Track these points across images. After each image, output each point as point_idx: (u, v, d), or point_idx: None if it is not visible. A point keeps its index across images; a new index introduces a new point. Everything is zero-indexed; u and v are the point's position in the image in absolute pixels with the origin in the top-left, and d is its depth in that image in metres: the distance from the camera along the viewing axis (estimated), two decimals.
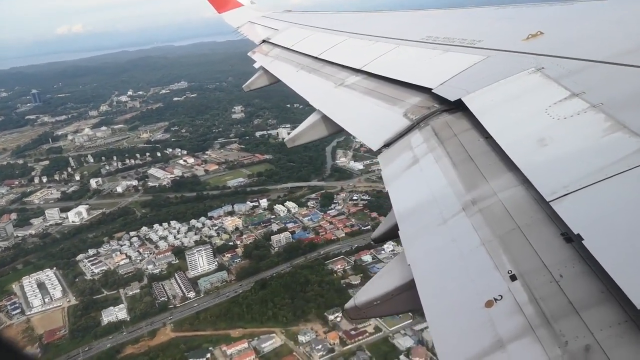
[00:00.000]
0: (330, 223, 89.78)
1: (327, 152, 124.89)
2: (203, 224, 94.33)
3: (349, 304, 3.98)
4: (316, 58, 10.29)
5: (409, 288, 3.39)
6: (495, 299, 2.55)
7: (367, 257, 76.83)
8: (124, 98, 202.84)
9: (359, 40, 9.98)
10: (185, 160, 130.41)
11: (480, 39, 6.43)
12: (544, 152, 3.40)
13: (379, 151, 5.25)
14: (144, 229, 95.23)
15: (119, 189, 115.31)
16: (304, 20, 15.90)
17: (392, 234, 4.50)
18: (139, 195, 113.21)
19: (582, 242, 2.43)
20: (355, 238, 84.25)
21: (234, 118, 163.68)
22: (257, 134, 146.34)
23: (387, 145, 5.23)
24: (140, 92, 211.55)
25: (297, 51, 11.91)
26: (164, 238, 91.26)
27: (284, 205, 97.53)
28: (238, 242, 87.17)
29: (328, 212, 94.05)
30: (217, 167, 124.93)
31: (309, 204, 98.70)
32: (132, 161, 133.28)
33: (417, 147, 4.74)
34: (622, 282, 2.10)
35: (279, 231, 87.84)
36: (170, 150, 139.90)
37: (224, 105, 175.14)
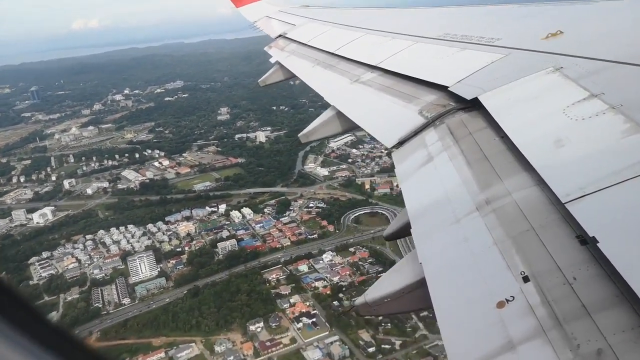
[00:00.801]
0: (280, 231, 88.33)
1: (300, 157, 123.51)
2: (158, 229, 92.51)
3: (359, 300, 3.99)
4: (332, 54, 10.27)
5: (420, 286, 3.38)
6: (507, 300, 2.54)
7: (303, 267, 75.98)
8: (118, 97, 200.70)
9: (376, 36, 9.94)
10: (160, 163, 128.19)
11: (499, 37, 6.36)
12: (560, 153, 3.36)
13: (393, 148, 5.23)
14: (101, 232, 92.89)
15: (89, 191, 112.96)
16: (321, 16, 15.87)
17: (405, 232, 4.49)
18: (106, 197, 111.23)
19: (597, 244, 2.40)
20: (300, 247, 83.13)
21: (219, 120, 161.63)
22: (237, 136, 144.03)
23: (402, 142, 5.21)
24: (137, 91, 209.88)
25: (313, 47, 11.90)
26: (117, 242, 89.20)
27: (240, 212, 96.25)
28: (186, 248, 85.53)
29: (281, 219, 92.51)
30: (189, 170, 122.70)
31: (265, 210, 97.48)
32: (110, 162, 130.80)
33: (431, 145, 4.71)
34: (636, 287, 2.07)
35: (228, 238, 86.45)
36: (149, 151, 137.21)
37: (212, 106, 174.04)
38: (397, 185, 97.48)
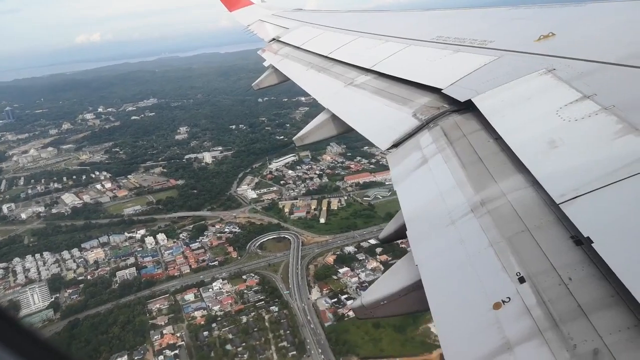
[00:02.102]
0: (185, 257, 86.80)
1: (239, 178, 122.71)
2: (72, 256, 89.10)
3: (356, 303, 3.98)
4: (326, 57, 10.29)
5: (416, 289, 3.38)
6: (503, 301, 2.54)
7: (190, 296, 74.74)
8: (89, 116, 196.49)
9: (369, 39, 9.97)
10: (102, 185, 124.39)
11: (492, 40, 6.40)
12: (554, 154, 3.38)
13: (388, 151, 5.24)
14: (16, 259, 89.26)
15: (24, 216, 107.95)
16: (314, 19, 15.90)
17: (400, 235, 4.50)
18: (38, 222, 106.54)
19: (592, 245, 2.41)
20: (198, 274, 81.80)
21: (177, 139, 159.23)
22: (187, 157, 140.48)
23: (396, 145, 5.22)
24: (110, 109, 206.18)
25: (307, 50, 11.92)
26: (27, 270, 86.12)
27: (154, 238, 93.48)
28: (89, 277, 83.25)
29: (191, 245, 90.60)
30: (126, 193, 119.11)
31: (181, 235, 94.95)
32: (55, 185, 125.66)
33: (426, 148, 4.73)
34: (631, 286, 2.09)
35: (132, 265, 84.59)
36: (97, 173, 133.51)
37: (174, 125, 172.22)
38: (314, 209, 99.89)
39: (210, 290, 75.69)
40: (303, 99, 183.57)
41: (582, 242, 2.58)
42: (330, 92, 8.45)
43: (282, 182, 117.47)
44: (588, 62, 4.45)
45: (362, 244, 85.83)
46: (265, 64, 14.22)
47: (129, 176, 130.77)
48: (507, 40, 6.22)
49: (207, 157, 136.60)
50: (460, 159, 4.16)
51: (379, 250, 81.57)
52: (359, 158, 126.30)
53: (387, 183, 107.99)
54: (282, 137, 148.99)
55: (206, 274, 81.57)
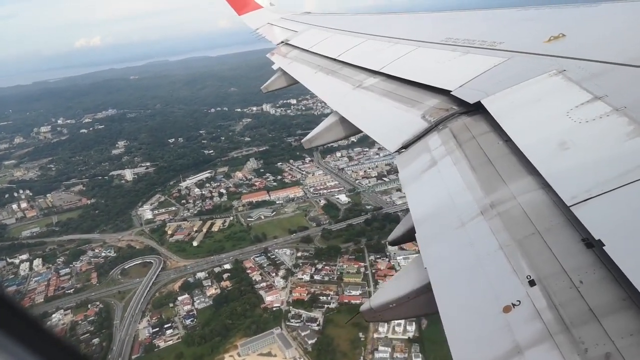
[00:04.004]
0: (48, 284, 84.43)
1: (148, 197, 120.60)
2: None
3: (364, 307, 3.97)
4: (335, 60, 10.30)
5: (425, 292, 3.37)
6: (514, 304, 2.52)
7: None
8: (44, 129, 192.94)
9: (378, 42, 9.96)
10: (19, 205, 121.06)
11: (501, 41, 6.36)
12: (565, 156, 3.35)
13: (397, 153, 5.23)
14: None
15: None
16: (323, 22, 15.93)
17: (409, 237, 4.48)
18: None
19: (603, 247, 2.38)
20: (50, 303, 79.65)
21: (113, 154, 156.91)
22: (111, 173, 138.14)
23: (405, 147, 5.21)
24: (69, 121, 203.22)
25: (315, 53, 11.94)
26: None
27: (31, 264, 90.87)
28: None
29: (62, 271, 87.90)
30: (35, 213, 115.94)
31: (58, 260, 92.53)
32: None
33: (435, 150, 4.71)
34: None
35: None
36: (22, 191, 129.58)
37: (114, 139, 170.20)
38: (196, 231, 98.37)
39: (49, 321, 73.33)
40: (255, 108, 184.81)
41: (593, 244, 2.55)
42: (339, 95, 8.45)
43: (183, 201, 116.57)
44: (599, 63, 4.41)
45: (215, 269, 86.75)
46: (274, 67, 14.28)
47: (47, 195, 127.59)
48: (517, 41, 6.18)
49: (128, 174, 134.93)
50: (470, 161, 4.14)
51: (225, 275, 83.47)
52: (267, 175, 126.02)
53: (277, 202, 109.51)
54: (211, 151, 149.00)
55: (57, 302, 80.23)
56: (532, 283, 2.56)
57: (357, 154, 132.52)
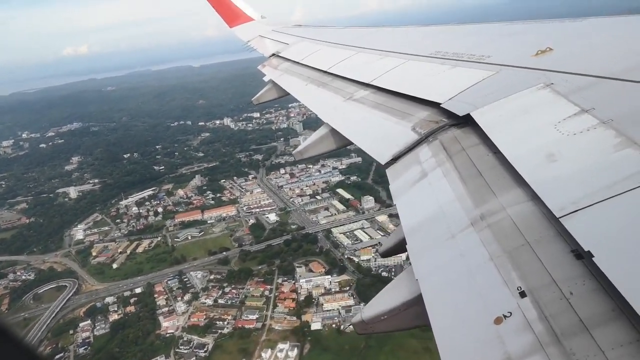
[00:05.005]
0: None
1: (85, 216, 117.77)
2: None
3: (356, 319, 3.95)
4: (325, 72, 10.35)
5: (417, 303, 3.36)
6: (505, 316, 2.52)
7: None
8: (5, 143, 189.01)
9: (368, 54, 10.04)
10: None
11: (489, 55, 6.44)
12: (553, 168, 3.38)
13: (388, 165, 5.25)
14: None
15: None
16: (313, 35, 16.04)
17: (399, 248, 4.48)
18: None
19: (593, 259, 2.40)
20: None
21: (66, 170, 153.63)
22: (58, 190, 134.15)
23: (396, 159, 5.23)
24: (33, 135, 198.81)
25: (306, 65, 12.00)
26: None
27: None
28: None
29: None
30: None
31: None
32: None
33: (425, 162, 4.73)
34: (633, 300, 2.07)
35: None
36: None
37: (70, 155, 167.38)
38: (120, 252, 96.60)
39: None
40: (218, 122, 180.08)
41: (582, 256, 2.57)
42: (330, 107, 8.48)
43: (118, 220, 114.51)
44: (586, 76, 4.48)
45: (125, 293, 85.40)
46: (265, 78, 14.32)
47: None
48: (505, 55, 6.27)
49: (72, 191, 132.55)
50: (460, 172, 4.17)
51: (133, 300, 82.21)
52: (208, 192, 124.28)
53: (209, 222, 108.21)
54: (162, 167, 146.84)
55: None
56: (522, 294, 2.57)
57: (300, 170, 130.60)
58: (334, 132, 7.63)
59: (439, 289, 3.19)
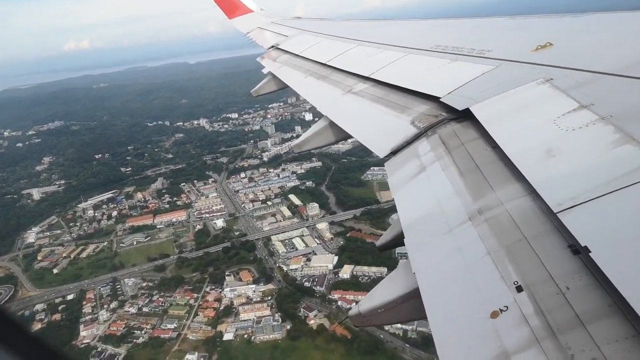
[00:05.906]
0: None
1: (42, 218, 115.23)
2: None
3: (353, 311, 3.97)
4: (325, 65, 10.32)
5: (414, 297, 3.37)
6: (501, 310, 2.53)
7: None
8: None
9: (368, 47, 10.01)
10: None
11: (490, 49, 6.43)
12: (551, 163, 3.38)
13: (386, 158, 5.24)
14: None
15: None
16: (313, 27, 15.96)
17: (397, 242, 4.49)
18: None
19: (590, 254, 2.41)
20: None
21: (36, 170, 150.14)
22: (23, 192, 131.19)
23: (394, 152, 5.22)
24: (15, 133, 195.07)
25: (305, 57, 11.95)
26: None
27: None
28: None
29: None
30: None
31: None
32: None
33: (424, 156, 4.73)
34: (629, 296, 2.08)
35: None
36: None
37: (42, 155, 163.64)
38: (64, 257, 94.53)
39: None
40: (196, 122, 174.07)
41: (579, 251, 2.57)
42: (329, 100, 8.46)
43: (71, 224, 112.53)
44: (585, 72, 4.47)
45: (57, 299, 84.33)
46: (264, 70, 14.27)
47: None
48: (505, 49, 6.25)
49: (35, 193, 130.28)
50: (458, 167, 4.17)
51: (61, 307, 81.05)
52: (166, 196, 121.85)
53: (158, 226, 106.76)
54: (129, 169, 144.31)
55: None
56: (519, 289, 2.58)
57: (259, 175, 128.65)
58: (332, 125, 7.62)
59: (436, 282, 3.20)
